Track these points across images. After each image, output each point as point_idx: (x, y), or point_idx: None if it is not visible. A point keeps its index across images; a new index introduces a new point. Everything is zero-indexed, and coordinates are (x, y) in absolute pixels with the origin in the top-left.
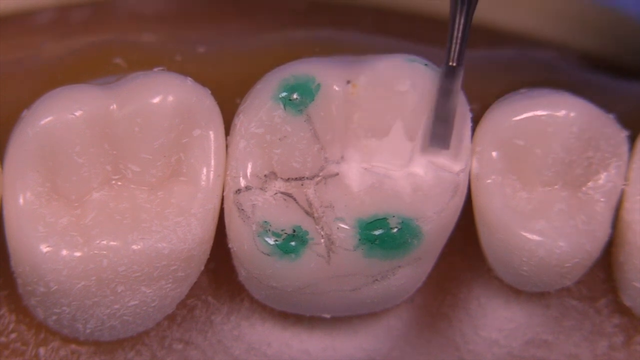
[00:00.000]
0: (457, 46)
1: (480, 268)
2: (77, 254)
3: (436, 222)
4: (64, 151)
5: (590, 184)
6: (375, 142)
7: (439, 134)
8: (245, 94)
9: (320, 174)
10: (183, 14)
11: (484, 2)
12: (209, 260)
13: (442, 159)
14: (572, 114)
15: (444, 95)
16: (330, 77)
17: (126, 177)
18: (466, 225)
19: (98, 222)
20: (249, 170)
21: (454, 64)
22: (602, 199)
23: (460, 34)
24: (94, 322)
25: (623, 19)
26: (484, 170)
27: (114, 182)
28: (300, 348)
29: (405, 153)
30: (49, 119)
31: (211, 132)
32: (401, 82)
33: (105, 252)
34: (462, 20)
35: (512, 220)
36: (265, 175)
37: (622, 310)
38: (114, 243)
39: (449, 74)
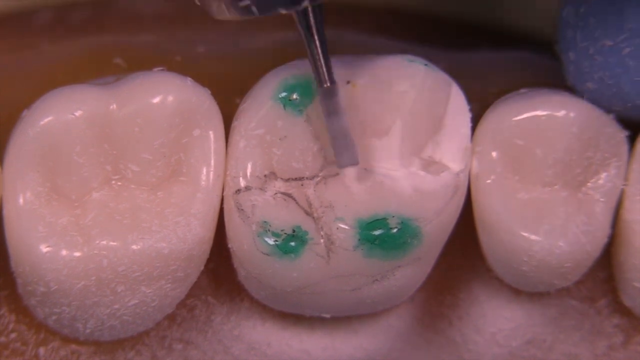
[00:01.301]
0: (324, 67)
1: (480, 268)
2: (77, 254)
3: (436, 222)
4: (64, 151)
5: (590, 184)
6: (375, 142)
7: (343, 152)
8: (245, 94)
9: (320, 174)
10: (183, 14)
11: (485, 2)
12: (209, 260)
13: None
14: (572, 114)
15: (331, 116)
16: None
17: (126, 177)
18: (466, 225)
19: (98, 222)
20: (248, 171)
21: (328, 85)
22: (602, 199)
23: (321, 55)
24: (94, 322)
25: None
26: (484, 170)
27: (114, 182)
28: (300, 348)
29: (405, 153)
30: (49, 119)
31: (211, 132)
32: (401, 82)
33: (105, 252)
34: (317, 42)
35: (512, 220)
36: (265, 176)
37: (622, 310)
38: (114, 243)
39: (328, 95)
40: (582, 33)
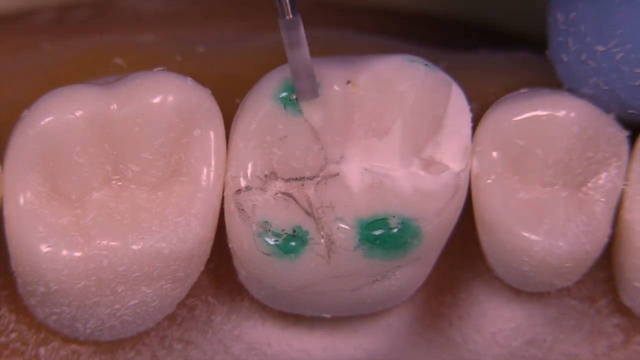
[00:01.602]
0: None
1: (480, 268)
2: (77, 254)
3: (436, 222)
4: (64, 151)
5: (590, 184)
6: (375, 142)
7: (304, 86)
8: (245, 94)
9: (321, 174)
10: (183, 14)
11: (484, 2)
12: (209, 260)
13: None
14: (572, 114)
15: (293, 48)
16: (330, 77)
17: (126, 177)
18: (466, 225)
19: (98, 222)
20: (249, 171)
21: (290, 17)
22: (602, 199)
23: None
24: (94, 322)
25: None
26: (484, 170)
27: (114, 182)
28: (300, 348)
29: (405, 153)
30: (49, 119)
31: (211, 132)
32: (401, 82)
33: (105, 252)
34: None
35: (512, 220)
36: (265, 176)
37: (622, 310)
38: (114, 243)
39: (289, 27)
40: (573, 39)
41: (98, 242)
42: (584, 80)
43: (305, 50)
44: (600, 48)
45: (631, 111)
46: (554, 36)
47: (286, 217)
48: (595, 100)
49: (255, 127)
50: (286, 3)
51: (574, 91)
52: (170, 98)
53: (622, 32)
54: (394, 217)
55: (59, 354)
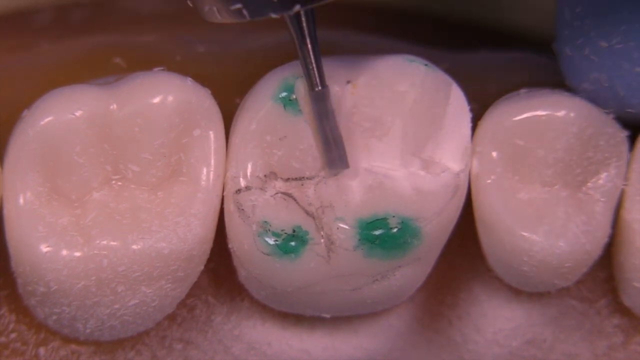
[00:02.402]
0: (316, 70)
1: (480, 268)
2: (77, 254)
3: (436, 222)
4: (64, 151)
5: (590, 184)
6: (375, 142)
7: (334, 156)
8: (245, 94)
9: (320, 174)
10: (183, 14)
11: (484, 2)
12: (209, 260)
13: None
14: (572, 114)
15: (323, 119)
16: (330, 77)
17: (126, 177)
18: (466, 225)
19: (98, 222)
20: (249, 171)
21: (320, 88)
22: (602, 199)
23: (313, 58)
24: (94, 322)
25: None
26: (484, 170)
27: (114, 182)
28: (300, 348)
29: (405, 153)
30: (49, 119)
31: (211, 132)
32: (401, 82)
33: (105, 252)
34: (309, 45)
35: (512, 220)
36: (265, 176)
37: (622, 310)
38: (114, 243)
39: (319, 98)
40: (578, 33)
41: (98, 242)
42: (585, 75)
43: (334, 121)
44: (603, 44)
45: (629, 110)
46: (559, 29)
47: (286, 217)
48: (594, 96)
49: (255, 127)
50: (315, 75)
51: (574, 86)
52: (170, 98)
53: (626, 28)
54: (393, 217)
55: (59, 354)
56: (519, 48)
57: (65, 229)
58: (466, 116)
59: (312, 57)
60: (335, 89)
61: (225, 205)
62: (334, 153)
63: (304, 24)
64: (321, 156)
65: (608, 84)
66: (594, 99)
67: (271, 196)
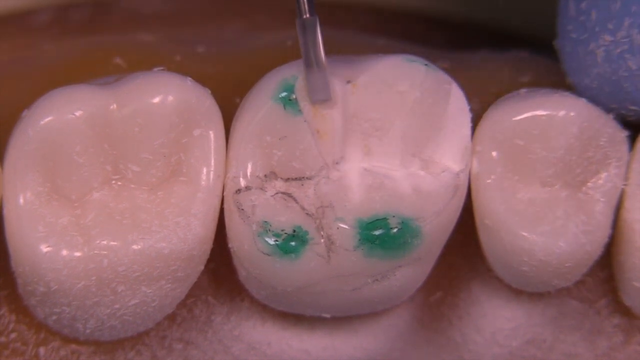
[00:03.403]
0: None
1: (480, 268)
2: (77, 254)
3: (436, 222)
4: (64, 151)
5: (590, 184)
6: (375, 142)
7: (317, 85)
8: (245, 94)
9: (320, 174)
10: (183, 14)
11: (485, 2)
12: (209, 260)
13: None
14: (572, 114)
15: (308, 47)
16: (330, 77)
17: (126, 177)
18: (466, 225)
19: (98, 222)
20: (249, 171)
21: (307, 16)
22: (602, 199)
23: None
24: (94, 322)
25: None
26: (484, 170)
27: (114, 182)
28: (300, 348)
29: (405, 153)
30: (49, 119)
31: (211, 132)
32: (401, 82)
33: (105, 252)
34: None
35: (512, 220)
36: (265, 176)
37: (622, 310)
38: (114, 243)
39: (306, 26)
40: (582, 28)
41: (98, 242)
42: (589, 71)
43: (320, 50)
44: (608, 38)
45: (633, 107)
46: (563, 24)
47: (286, 217)
48: (597, 93)
49: (255, 127)
50: (304, 2)
51: (577, 81)
52: (170, 98)
53: (631, 23)
54: (393, 217)
55: (59, 354)
56: (519, 48)
57: (65, 229)
58: (466, 116)
59: None
60: (335, 89)
61: (225, 205)
62: (317, 81)
63: None
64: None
65: (612, 79)
66: (597, 95)
67: (271, 196)
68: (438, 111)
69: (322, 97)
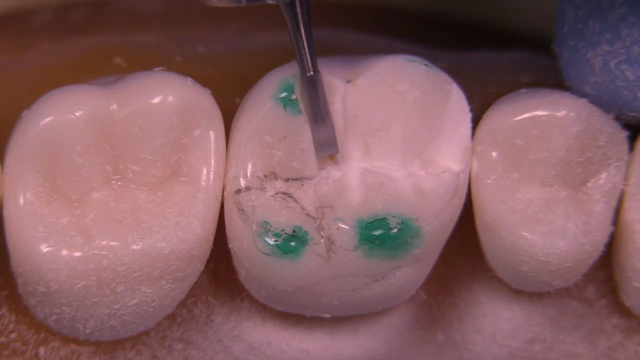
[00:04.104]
0: (308, 56)
1: (480, 268)
2: (77, 254)
3: (436, 222)
4: (64, 151)
5: (590, 184)
6: (376, 142)
7: (323, 139)
8: (245, 94)
9: (321, 174)
10: (183, 14)
11: (485, 2)
12: (209, 260)
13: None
14: (572, 114)
15: (313, 103)
16: (330, 77)
17: (126, 177)
18: (466, 225)
19: (98, 222)
20: (249, 171)
21: (311, 73)
22: (602, 199)
23: (306, 44)
24: (94, 322)
25: None
26: (484, 170)
27: (114, 182)
28: (300, 348)
29: (405, 153)
30: (49, 119)
31: (211, 132)
32: (401, 82)
33: (105, 252)
34: (303, 31)
35: (512, 220)
36: (265, 176)
37: (622, 310)
38: (114, 243)
39: (310, 83)
40: (580, 36)
41: (98, 242)
42: (586, 79)
43: (325, 105)
44: (605, 48)
45: (631, 114)
46: (560, 31)
47: (286, 217)
48: (595, 99)
49: (255, 127)
50: (307, 60)
51: (575, 88)
52: (170, 98)
53: (629, 33)
54: (393, 217)
55: (59, 354)
56: (519, 48)
57: (65, 229)
58: (466, 116)
59: (305, 43)
60: (336, 88)
61: (225, 206)
62: (324, 136)
63: (298, 10)
64: (312, 139)
65: (610, 87)
66: (595, 101)
67: (271, 196)
68: (438, 111)
69: (329, 151)
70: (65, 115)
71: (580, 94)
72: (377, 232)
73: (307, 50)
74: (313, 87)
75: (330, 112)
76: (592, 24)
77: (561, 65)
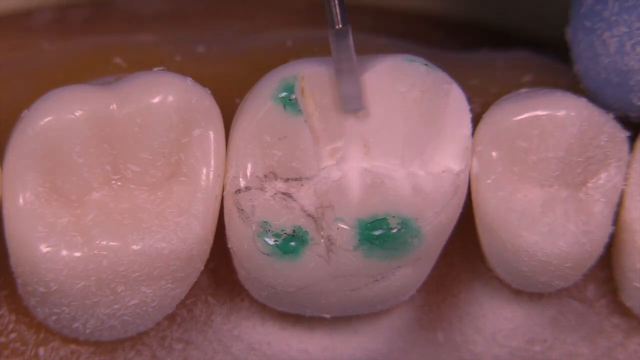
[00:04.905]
0: (337, 9)
1: (480, 268)
2: (77, 254)
3: (436, 222)
4: (64, 151)
5: (590, 184)
6: (375, 142)
7: (349, 94)
8: (245, 94)
9: (320, 174)
10: (183, 14)
11: (485, 2)
12: (209, 260)
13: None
14: (572, 114)
15: (341, 55)
16: (330, 76)
17: (126, 177)
18: (466, 225)
19: (98, 222)
20: (248, 171)
21: (340, 26)
22: (602, 199)
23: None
24: (94, 322)
25: None
26: (484, 170)
27: (113, 182)
28: (300, 348)
29: (405, 153)
30: (49, 119)
31: (211, 132)
32: (401, 82)
33: (105, 252)
34: None
35: (512, 220)
36: (265, 176)
37: (622, 310)
38: (114, 243)
39: (339, 36)
40: (598, 17)
41: (98, 242)
42: (599, 60)
43: (353, 60)
44: (623, 29)
45: (638, 103)
46: (577, 12)
47: (286, 218)
48: (604, 83)
49: (255, 127)
50: (337, 12)
51: (587, 72)
52: (170, 98)
53: None
54: (393, 217)
55: (59, 354)
56: (519, 48)
57: (65, 229)
58: (466, 116)
59: None
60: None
61: (225, 206)
62: (350, 91)
63: None
64: (338, 94)
65: (623, 70)
66: (603, 86)
67: (271, 196)
68: (438, 111)
69: (354, 106)
70: (65, 115)
71: (589, 76)
72: (377, 232)
73: (336, 3)
74: (341, 40)
75: (357, 67)
76: (612, 4)
77: (573, 47)
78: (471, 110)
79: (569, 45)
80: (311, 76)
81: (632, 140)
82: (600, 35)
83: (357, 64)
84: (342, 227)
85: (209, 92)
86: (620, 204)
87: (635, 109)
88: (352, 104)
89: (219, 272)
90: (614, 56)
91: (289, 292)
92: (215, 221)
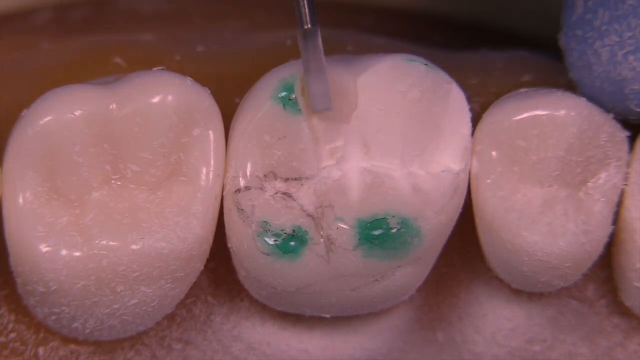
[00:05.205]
0: (306, 9)
1: (480, 268)
2: (77, 254)
3: (436, 222)
4: (64, 151)
5: (590, 184)
6: (375, 142)
7: (318, 94)
8: (245, 94)
9: (320, 174)
10: (183, 14)
11: (485, 2)
12: (209, 260)
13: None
14: (572, 114)
15: (309, 55)
16: (330, 76)
17: (126, 177)
18: (466, 225)
19: (98, 222)
20: (248, 171)
21: (309, 27)
22: (602, 199)
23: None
24: (94, 322)
25: None
26: (484, 170)
27: (113, 182)
28: (300, 348)
29: (405, 153)
30: (48, 118)
31: (211, 132)
32: (401, 82)
33: (105, 252)
34: None
35: (512, 220)
36: (265, 176)
37: (622, 310)
38: (114, 243)
39: (308, 36)
40: (589, 26)
41: (98, 242)
42: (592, 69)
43: (322, 61)
44: (614, 39)
45: (636, 109)
46: (568, 23)
47: (286, 218)
48: (599, 92)
49: (255, 127)
50: (306, 13)
51: (581, 79)
52: (170, 98)
53: (639, 24)
54: (393, 217)
55: (58, 354)
56: (519, 48)
57: (65, 229)
58: (466, 116)
59: None
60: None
61: (225, 205)
62: (318, 90)
63: None
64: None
65: (616, 80)
66: (598, 94)
67: (271, 196)
68: (438, 111)
69: (322, 106)
70: (65, 115)
71: (584, 85)
72: (377, 232)
73: (305, 4)
74: (310, 40)
75: (325, 68)
76: (602, 13)
77: (566, 56)
78: (471, 110)
79: (563, 52)
80: None
81: (632, 140)
82: (592, 44)
83: (325, 63)
84: (342, 227)
85: (209, 92)
86: (620, 204)
87: (634, 114)
88: (321, 103)
89: (219, 272)
90: (606, 66)
91: (289, 292)
92: (215, 221)
